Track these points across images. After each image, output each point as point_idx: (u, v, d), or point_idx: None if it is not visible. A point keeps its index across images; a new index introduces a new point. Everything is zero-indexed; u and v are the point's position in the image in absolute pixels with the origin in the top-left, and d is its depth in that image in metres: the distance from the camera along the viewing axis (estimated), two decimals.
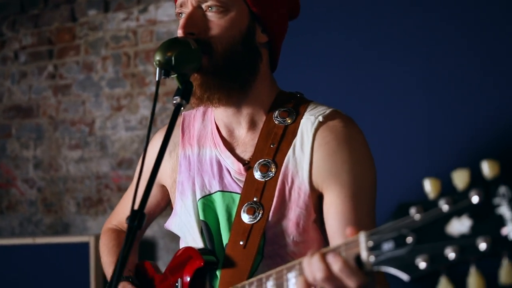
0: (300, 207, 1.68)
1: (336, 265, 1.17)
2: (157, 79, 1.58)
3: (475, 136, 2.50)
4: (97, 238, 3.39)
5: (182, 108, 1.56)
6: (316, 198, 1.69)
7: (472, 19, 2.56)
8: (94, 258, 3.53)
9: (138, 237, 2.15)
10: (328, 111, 1.73)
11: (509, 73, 2.46)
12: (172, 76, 1.59)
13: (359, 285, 1.17)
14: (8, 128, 4.47)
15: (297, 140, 1.72)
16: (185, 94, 1.55)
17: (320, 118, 1.71)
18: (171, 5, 3.81)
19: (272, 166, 1.72)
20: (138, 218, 1.40)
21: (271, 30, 1.77)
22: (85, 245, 3.57)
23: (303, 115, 1.75)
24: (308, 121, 1.72)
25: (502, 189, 0.99)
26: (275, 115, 1.77)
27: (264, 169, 1.71)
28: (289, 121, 1.75)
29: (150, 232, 3.70)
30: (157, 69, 1.58)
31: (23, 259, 3.69)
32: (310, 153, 1.69)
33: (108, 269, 2.05)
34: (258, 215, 1.69)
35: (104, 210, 4.02)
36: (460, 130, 2.53)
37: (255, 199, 1.70)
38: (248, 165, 1.76)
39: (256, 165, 1.73)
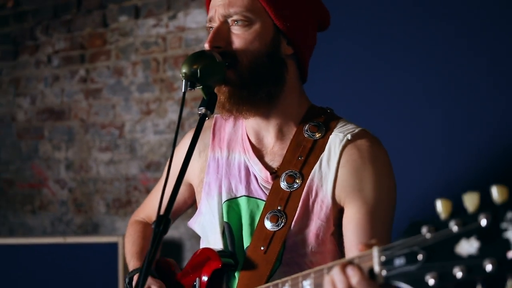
0: (321, 220, 1.73)
1: (355, 278, 1.22)
2: (183, 90, 1.64)
3: (489, 145, 2.51)
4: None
5: (206, 118, 1.62)
6: (337, 212, 1.74)
7: (477, 20, 2.56)
8: (123, 258, 3.54)
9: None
10: (357, 130, 1.78)
11: None
12: (197, 87, 1.65)
13: None
14: (40, 130, 4.52)
15: (324, 155, 1.77)
16: (209, 104, 1.62)
17: (349, 136, 1.75)
18: (199, 12, 3.85)
19: (299, 177, 1.76)
20: (163, 223, 1.46)
21: (296, 43, 1.79)
22: (114, 245, 3.60)
23: (332, 131, 1.79)
24: (337, 137, 1.77)
25: (510, 214, 1.03)
26: (305, 128, 1.81)
27: (291, 180, 1.76)
28: (318, 136, 1.80)
29: (176, 233, 3.76)
30: (183, 81, 1.64)
31: (54, 258, 3.72)
32: (335, 169, 1.73)
33: (130, 259, 2.10)
34: (281, 224, 1.74)
35: (132, 211, 3.99)
36: (475, 138, 2.55)
37: (279, 208, 1.75)
38: (275, 174, 1.80)
39: (283, 175, 1.78)
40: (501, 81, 2.48)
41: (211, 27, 1.77)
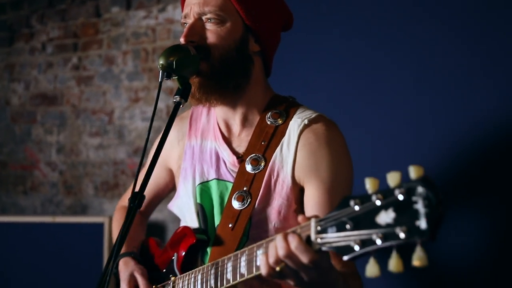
0: (282, 198, 1.86)
1: (293, 243, 1.37)
2: (159, 80, 1.75)
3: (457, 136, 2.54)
4: (111, 219, 3.37)
5: (181, 106, 1.73)
6: (298, 191, 1.86)
7: (460, 17, 2.57)
8: (108, 237, 3.62)
9: (146, 216, 2.32)
10: (313, 115, 1.90)
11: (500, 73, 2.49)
12: (173, 77, 1.75)
13: (310, 260, 1.36)
14: (33, 114, 4.54)
15: (284, 139, 1.89)
16: (184, 93, 1.74)
17: (306, 121, 1.87)
18: None
19: (262, 160, 1.88)
20: (138, 198, 1.59)
21: (263, 41, 1.93)
22: (100, 225, 3.67)
23: (292, 117, 1.92)
24: (296, 123, 1.89)
25: (420, 189, 1.16)
26: (268, 115, 1.94)
27: (255, 162, 1.88)
28: (280, 122, 1.92)
29: (161, 216, 3.82)
30: (160, 71, 1.75)
31: (43, 237, 3.77)
32: (294, 151, 1.86)
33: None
34: (246, 202, 1.85)
35: (119, 194, 4.08)
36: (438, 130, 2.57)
37: (245, 188, 1.87)
38: (241, 158, 1.93)
39: (248, 158, 1.90)
40: (491, 81, 2.50)
41: (185, 23, 1.89)
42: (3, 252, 3.80)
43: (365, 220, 1.25)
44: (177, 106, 1.73)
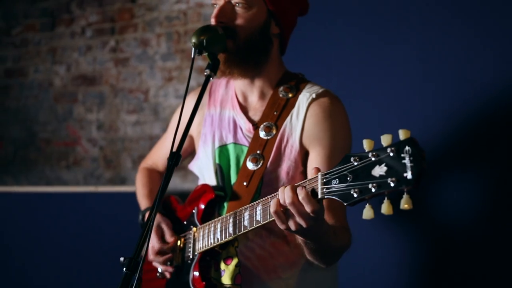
0: (291, 161, 2.06)
1: (300, 195, 1.57)
2: (192, 56, 1.90)
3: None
4: None
5: (211, 78, 1.89)
6: (304, 155, 2.06)
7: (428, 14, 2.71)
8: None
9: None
10: (320, 90, 2.10)
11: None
12: (204, 54, 1.90)
13: (312, 210, 1.56)
14: (75, 94, 4.66)
15: (294, 110, 2.08)
16: (213, 67, 1.89)
17: (314, 95, 2.07)
18: None
19: (274, 128, 2.07)
20: (175, 157, 1.72)
21: (283, 24, 2.11)
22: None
23: (301, 91, 2.11)
24: (305, 96, 2.09)
25: (407, 148, 1.37)
26: (280, 89, 2.13)
27: (268, 129, 2.07)
28: (290, 95, 2.11)
29: (193, 186, 3.71)
30: (193, 48, 1.90)
31: (87, 206, 3.82)
32: (302, 121, 2.05)
33: (141, 199, 2.37)
34: (260, 164, 2.03)
35: None
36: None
37: (258, 152, 2.05)
38: (256, 126, 2.10)
39: (262, 126, 2.08)
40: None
41: (215, 4, 2.06)
42: (50, 222, 3.84)
43: (363, 173, 1.45)
44: (207, 79, 1.88)
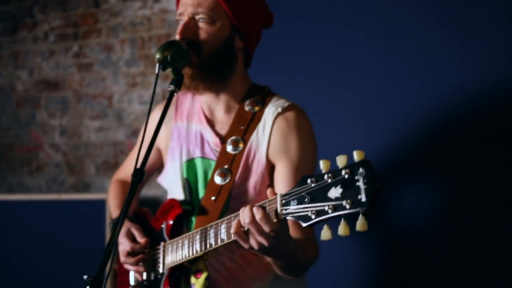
0: (258, 175, 2.07)
1: (257, 215, 1.59)
2: (156, 72, 1.87)
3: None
4: None
5: (175, 94, 1.87)
6: (270, 169, 2.08)
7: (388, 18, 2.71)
8: (110, 212, 3.62)
9: (139, 189, 2.47)
10: (286, 104, 2.11)
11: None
12: (168, 69, 1.89)
13: (271, 230, 1.58)
14: (38, 99, 4.58)
15: (260, 124, 2.09)
16: (177, 83, 1.87)
17: (280, 109, 2.08)
18: None
19: (241, 142, 2.07)
20: (139, 174, 1.71)
21: (247, 38, 2.11)
22: (102, 202, 3.72)
23: (267, 105, 2.12)
24: (271, 110, 2.09)
25: (361, 170, 1.39)
26: (247, 103, 2.13)
27: (235, 144, 2.08)
28: (256, 109, 2.12)
29: (158, 192, 3.88)
30: (157, 64, 1.87)
31: (49, 214, 3.81)
32: (269, 135, 2.06)
33: (113, 209, 2.37)
34: (227, 178, 2.04)
35: None
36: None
37: (226, 166, 2.06)
38: (223, 140, 2.11)
39: (229, 140, 2.09)
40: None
41: (180, 20, 2.06)
42: (11, 230, 3.83)
43: (319, 194, 1.48)
44: (171, 94, 1.87)
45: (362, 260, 2.79)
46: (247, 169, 2.08)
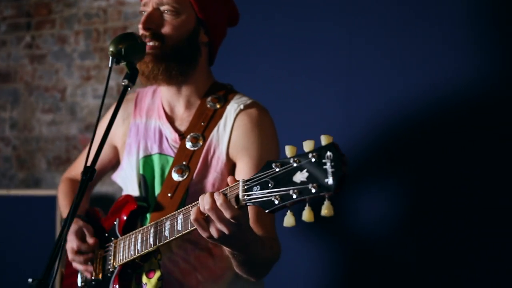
0: (217, 172, 2.04)
1: (218, 200, 1.54)
2: (109, 65, 1.84)
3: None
4: None
5: (128, 89, 1.82)
6: (230, 166, 2.05)
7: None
8: (61, 212, 3.54)
9: (90, 187, 2.45)
10: (249, 101, 2.09)
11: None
12: (122, 63, 1.84)
13: (232, 216, 1.52)
14: None
15: (222, 121, 2.07)
16: (131, 78, 1.83)
17: (242, 106, 2.07)
18: None
19: (201, 138, 2.05)
20: (89, 172, 1.67)
21: (212, 33, 2.10)
22: (53, 198, 3.68)
23: (229, 102, 2.10)
24: (232, 107, 2.08)
25: (328, 153, 1.35)
26: (208, 100, 2.12)
27: (194, 140, 2.05)
28: (218, 106, 2.10)
29: (111, 188, 3.86)
30: (110, 57, 1.83)
31: None
32: (230, 132, 2.04)
33: (64, 209, 2.34)
34: (185, 175, 2.02)
35: None
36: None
37: (184, 163, 2.03)
38: (182, 136, 2.09)
39: (188, 136, 2.06)
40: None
41: (143, 11, 2.04)
42: None
43: (284, 179, 1.42)
44: (125, 89, 1.82)
45: (324, 264, 2.78)
46: (206, 166, 2.05)
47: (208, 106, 2.10)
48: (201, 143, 2.05)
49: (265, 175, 1.48)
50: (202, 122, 2.08)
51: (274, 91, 2.84)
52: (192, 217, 1.60)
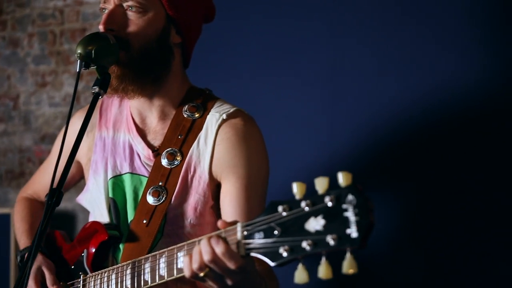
0: (199, 194, 1.86)
1: (219, 249, 1.37)
2: (77, 70, 1.71)
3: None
4: None
5: (100, 97, 1.70)
6: (215, 187, 1.87)
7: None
8: (16, 238, 3.58)
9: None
10: (232, 109, 1.91)
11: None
12: (92, 67, 1.72)
13: (238, 266, 1.37)
14: None
15: (202, 134, 1.89)
16: (103, 84, 1.70)
17: (224, 116, 1.88)
18: None
19: (178, 155, 1.88)
20: (56, 195, 1.54)
21: (185, 32, 1.92)
22: (6, 216, 3.64)
23: (209, 111, 1.92)
24: (213, 117, 1.90)
25: (350, 197, 1.19)
26: (185, 109, 1.93)
27: (171, 157, 1.88)
28: (197, 116, 1.92)
29: (70, 205, 3.78)
30: (78, 61, 1.70)
31: None
32: (212, 146, 1.86)
33: (20, 236, 2.16)
34: (162, 198, 1.85)
35: (26, 183, 3.96)
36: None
37: (160, 184, 1.86)
38: (157, 152, 1.91)
39: (164, 153, 1.89)
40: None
41: (104, 9, 1.85)
42: None
43: (294, 226, 1.27)
44: (96, 97, 1.70)
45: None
46: (186, 187, 1.88)
47: (185, 116, 1.94)
48: (179, 159, 1.89)
49: (269, 220, 1.32)
50: (179, 135, 1.92)
51: (252, 95, 2.71)
52: (187, 273, 1.47)
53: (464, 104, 2.47)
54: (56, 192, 1.55)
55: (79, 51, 1.71)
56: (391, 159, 2.57)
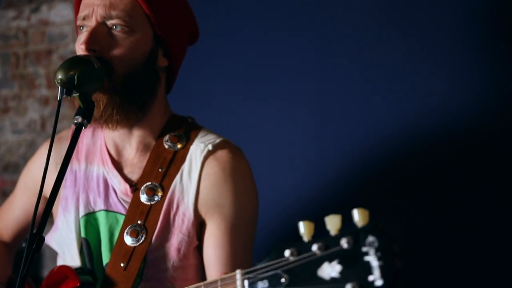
0: (183, 233, 1.75)
1: None
2: (59, 98, 1.56)
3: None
4: None
5: (83, 128, 1.56)
6: (199, 226, 1.77)
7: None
8: None
9: (12, 247, 2.15)
10: (218, 140, 1.82)
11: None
12: (74, 94, 1.58)
13: None
14: None
15: (185, 166, 1.79)
16: (86, 113, 1.57)
17: (210, 147, 1.79)
18: (64, 7, 3.81)
19: (159, 190, 1.78)
20: (36, 241, 1.41)
21: (173, 54, 1.82)
22: None
23: (193, 141, 1.83)
24: (198, 148, 1.80)
25: (370, 239, 1.08)
26: (166, 139, 1.83)
27: (151, 192, 1.77)
28: (179, 146, 1.82)
29: None
30: (59, 87, 1.57)
31: None
32: (197, 181, 1.77)
33: None
34: (141, 238, 1.74)
35: None
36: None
37: (139, 222, 1.76)
38: (135, 187, 1.80)
39: (143, 187, 1.79)
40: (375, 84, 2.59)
41: (82, 26, 1.72)
42: None
43: (305, 273, 1.16)
44: (79, 128, 1.57)
45: None
46: (168, 226, 1.78)
47: (166, 147, 1.83)
48: (160, 195, 1.78)
49: (274, 266, 1.19)
50: (159, 168, 1.81)
51: (237, 121, 2.72)
52: None
53: (455, 124, 2.46)
54: (36, 237, 1.41)
55: (60, 77, 1.57)
56: (383, 181, 2.54)
